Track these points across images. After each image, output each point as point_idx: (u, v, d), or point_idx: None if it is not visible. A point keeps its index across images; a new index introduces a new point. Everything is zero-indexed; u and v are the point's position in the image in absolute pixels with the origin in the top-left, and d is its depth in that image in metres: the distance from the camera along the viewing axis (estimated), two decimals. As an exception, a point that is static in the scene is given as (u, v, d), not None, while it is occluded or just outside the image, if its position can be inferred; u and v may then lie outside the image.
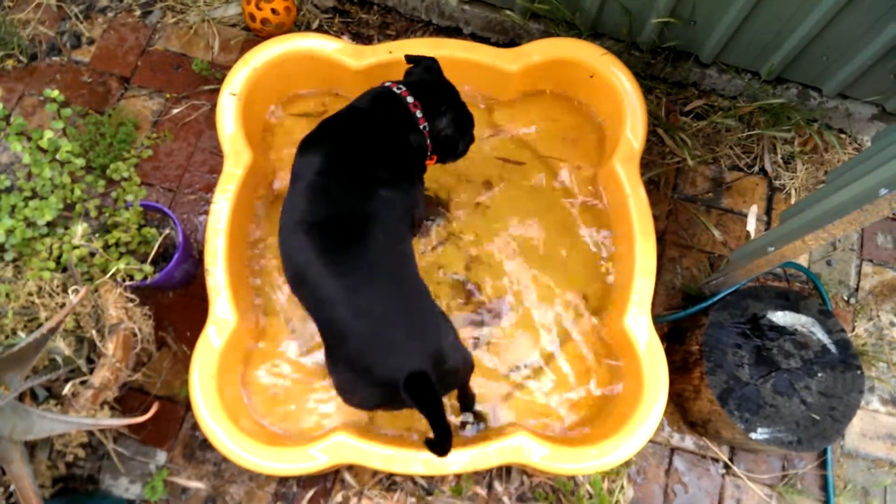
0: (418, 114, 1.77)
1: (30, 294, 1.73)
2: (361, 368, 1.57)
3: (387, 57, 2.14)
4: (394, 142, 1.76)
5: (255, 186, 2.16)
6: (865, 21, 1.92)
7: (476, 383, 2.04)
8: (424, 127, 1.79)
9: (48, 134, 1.83)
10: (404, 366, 1.51)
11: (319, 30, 2.53)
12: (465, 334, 2.10)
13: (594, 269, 2.17)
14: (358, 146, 1.72)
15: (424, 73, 1.87)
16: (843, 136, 2.41)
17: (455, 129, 1.84)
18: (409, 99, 1.77)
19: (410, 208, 1.80)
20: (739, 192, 2.38)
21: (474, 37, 2.52)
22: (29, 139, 1.85)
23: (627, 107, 2.10)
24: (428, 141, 1.81)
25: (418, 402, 1.49)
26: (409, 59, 1.90)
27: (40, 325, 1.70)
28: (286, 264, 1.69)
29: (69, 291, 1.74)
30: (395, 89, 1.79)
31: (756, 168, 2.39)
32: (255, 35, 2.51)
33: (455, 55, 2.14)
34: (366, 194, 1.67)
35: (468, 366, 1.78)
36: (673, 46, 2.27)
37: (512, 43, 2.46)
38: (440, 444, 1.49)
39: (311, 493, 2.03)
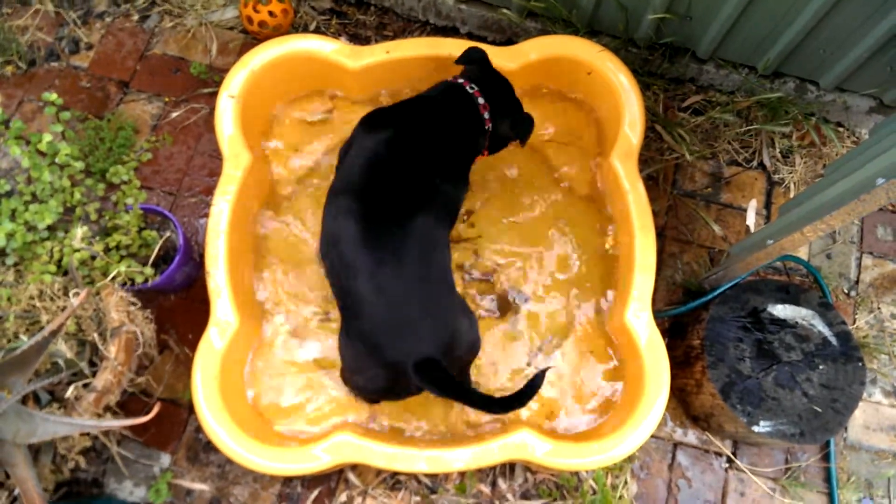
0: (486, 115, 1.85)
1: (31, 298, 1.74)
2: (372, 345, 1.59)
3: (384, 57, 2.15)
4: (459, 138, 1.84)
5: (255, 188, 2.16)
6: (861, 13, 1.93)
7: (487, 373, 2.05)
8: (488, 129, 1.87)
9: (47, 137, 1.83)
10: (414, 350, 1.52)
11: (317, 31, 2.54)
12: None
13: (595, 263, 2.17)
14: (425, 133, 1.78)
15: (484, 70, 1.93)
16: (841, 129, 2.41)
17: (515, 133, 1.92)
18: (480, 100, 1.85)
19: (457, 201, 1.85)
20: (738, 186, 2.38)
21: (471, 36, 2.52)
22: (28, 143, 1.86)
23: (625, 103, 2.11)
24: (487, 141, 1.89)
25: (437, 387, 1.51)
26: (459, 61, 1.94)
27: (42, 328, 1.70)
28: (324, 225, 1.73)
29: (70, 295, 1.75)
30: (467, 88, 1.85)
31: (755, 163, 2.40)
32: (252, 38, 2.52)
33: (452, 54, 2.13)
34: (422, 179, 1.72)
35: (475, 350, 1.81)
36: (670, 42, 2.27)
37: (509, 42, 2.46)
38: (499, 406, 1.50)
39: (315, 493, 2.04)
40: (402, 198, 1.69)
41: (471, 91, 1.85)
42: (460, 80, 1.88)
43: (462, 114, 1.84)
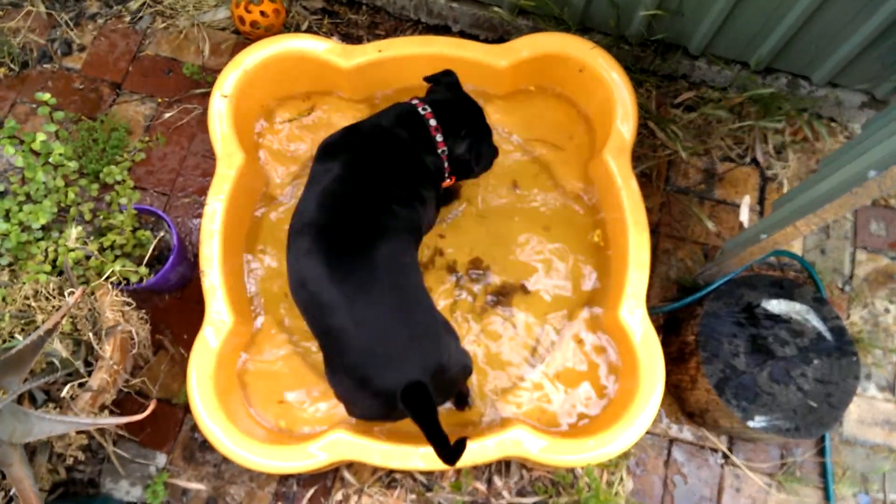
0: (438, 137, 1.81)
1: (26, 298, 1.74)
2: (359, 378, 1.58)
3: (376, 56, 2.15)
4: (411, 162, 1.80)
5: (249, 187, 2.17)
6: (852, 8, 1.93)
7: (477, 377, 2.05)
8: (443, 151, 1.83)
9: (41, 137, 1.84)
10: (402, 377, 1.51)
11: (309, 31, 2.55)
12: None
13: (590, 259, 2.18)
14: (376, 160, 1.76)
15: (447, 91, 1.90)
16: (833, 124, 2.42)
17: (472, 156, 1.87)
18: (432, 122, 1.81)
19: (419, 223, 1.82)
20: (732, 182, 2.38)
21: (463, 34, 2.53)
22: (21, 142, 1.86)
23: (617, 100, 2.11)
24: (446, 164, 1.85)
25: (414, 414, 1.50)
26: (427, 79, 1.93)
27: (37, 328, 1.70)
28: (290, 267, 1.70)
29: (65, 294, 1.75)
30: (420, 109, 1.82)
31: (748, 158, 2.40)
32: (244, 38, 2.52)
33: (444, 52, 2.15)
34: (378, 207, 1.70)
35: (467, 371, 1.80)
36: (661, 39, 2.28)
37: (501, 40, 2.47)
38: (440, 453, 1.48)
39: (311, 491, 2.04)
40: (361, 228, 1.66)
41: (422, 112, 1.81)
42: (414, 102, 1.84)
43: (412, 136, 1.80)
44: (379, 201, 1.71)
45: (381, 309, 1.57)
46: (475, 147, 1.86)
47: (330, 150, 1.80)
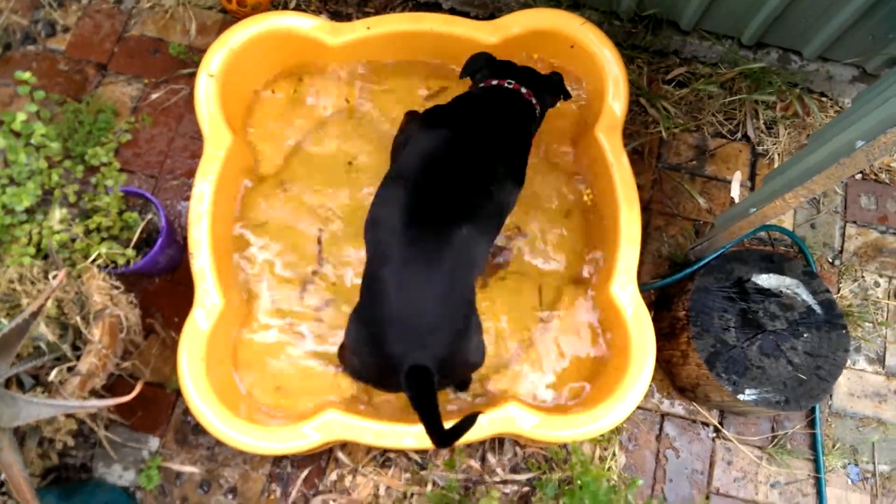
0: (533, 100, 1.88)
1: (11, 281, 1.72)
2: (376, 335, 1.58)
3: (365, 33, 2.13)
4: (519, 135, 1.86)
5: (238, 168, 2.14)
6: (842, -20, 1.92)
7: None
8: (538, 112, 1.90)
9: (21, 116, 1.80)
10: (411, 355, 1.52)
11: (297, 9, 2.51)
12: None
13: (580, 235, 2.17)
14: (486, 133, 1.78)
15: (495, 67, 1.94)
16: (824, 99, 2.41)
17: (560, 96, 1.99)
18: (523, 90, 1.87)
19: (507, 209, 1.83)
20: (723, 158, 2.38)
21: (453, 11, 2.50)
22: (1, 123, 1.83)
23: (609, 76, 2.09)
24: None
25: (413, 396, 1.51)
26: (466, 74, 1.97)
27: (22, 311, 1.68)
28: (373, 204, 1.73)
29: (50, 277, 1.73)
30: (506, 85, 1.86)
31: (739, 134, 2.40)
32: (231, 16, 2.49)
33: (434, 29, 2.13)
34: (477, 185, 1.71)
35: (478, 366, 1.82)
36: (653, 14, 2.26)
37: (491, 16, 2.43)
38: (433, 438, 1.49)
39: (305, 472, 2.04)
40: (452, 203, 1.66)
41: (510, 86, 1.87)
42: (494, 82, 1.88)
43: (516, 110, 1.85)
44: (480, 178, 1.71)
45: (429, 287, 1.58)
46: (556, 89, 1.98)
47: (440, 116, 1.83)
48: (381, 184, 1.76)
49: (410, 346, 1.54)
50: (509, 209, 1.84)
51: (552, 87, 1.97)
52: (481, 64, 1.95)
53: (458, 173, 1.71)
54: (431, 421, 1.49)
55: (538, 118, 1.93)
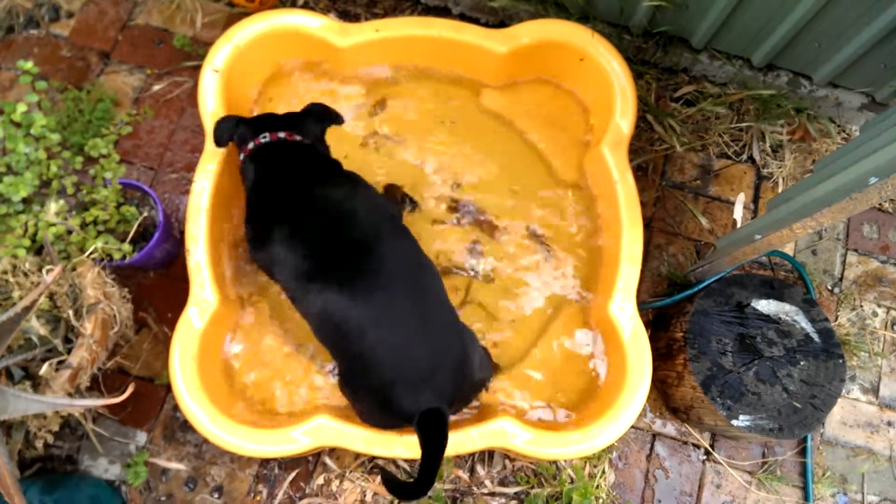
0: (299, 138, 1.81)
1: (4, 272, 1.69)
2: (381, 400, 1.57)
3: (373, 35, 2.10)
4: (333, 173, 1.80)
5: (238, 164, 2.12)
6: (858, 8, 1.91)
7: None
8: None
9: (21, 107, 1.78)
10: (423, 401, 1.51)
11: (305, 6, 2.48)
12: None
13: (584, 252, 2.16)
14: (316, 187, 1.72)
15: (254, 123, 1.84)
16: (832, 125, 2.40)
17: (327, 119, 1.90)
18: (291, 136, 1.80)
19: (398, 218, 1.84)
20: (727, 179, 2.37)
21: (463, 17, 2.48)
22: (1, 112, 1.80)
23: (617, 91, 2.08)
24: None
25: (425, 440, 1.50)
26: (219, 140, 1.87)
27: (14, 304, 1.66)
28: (311, 316, 1.68)
29: (44, 271, 1.70)
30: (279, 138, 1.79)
31: (744, 156, 2.38)
32: (239, 11, 2.46)
33: (443, 35, 2.11)
34: (358, 220, 1.66)
35: (487, 384, 1.81)
36: (665, 31, 2.24)
37: (501, 24, 2.42)
38: (415, 487, 1.47)
39: (292, 475, 2.03)
40: (358, 244, 1.62)
41: (283, 138, 1.78)
42: (263, 139, 1.79)
43: (306, 156, 1.79)
44: (353, 213, 1.66)
45: (403, 328, 1.55)
46: (326, 120, 1.89)
47: (266, 217, 1.72)
48: (297, 300, 1.69)
49: (418, 394, 1.52)
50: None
51: (316, 117, 1.86)
52: (233, 127, 1.84)
53: (332, 226, 1.64)
54: (432, 468, 1.47)
55: (324, 152, 1.87)
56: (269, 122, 1.82)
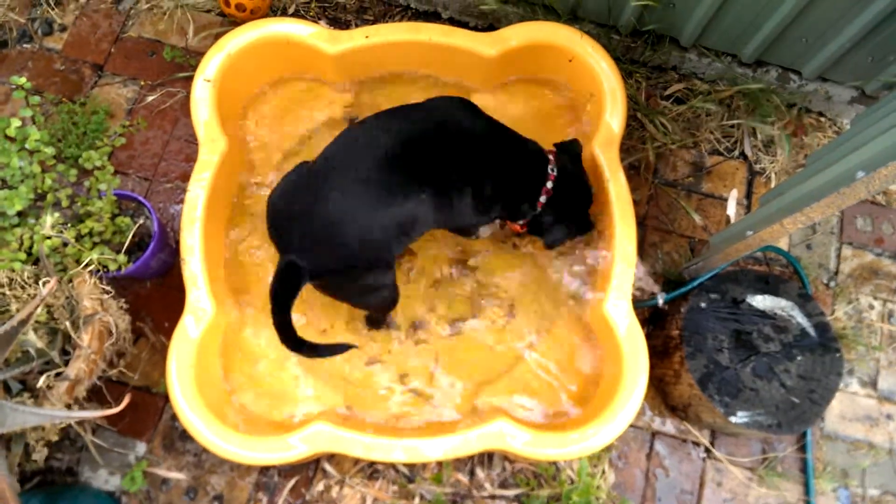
0: (542, 198, 1.86)
1: (0, 286, 1.70)
2: (285, 213, 1.70)
3: (363, 42, 2.11)
4: (506, 187, 1.83)
5: (232, 174, 2.13)
6: (844, 2, 1.91)
7: (459, 364, 2.04)
8: (536, 210, 1.88)
9: (16, 122, 1.79)
10: (295, 252, 1.61)
11: (296, 14, 2.50)
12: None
13: (577, 255, 2.17)
14: (480, 156, 1.78)
15: (572, 162, 1.94)
16: (822, 119, 2.41)
17: (553, 238, 1.95)
18: (549, 184, 1.85)
19: (446, 220, 1.85)
20: (720, 176, 2.37)
21: (452, 21, 2.49)
22: (-5, 127, 1.82)
23: (607, 91, 2.08)
24: (526, 215, 1.91)
25: (273, 290, 1.61)
26: (557, 145, 1.97)
27: (11, 317, 1.67)
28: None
29: (41, 283, 1.71)
30: (549, 167, 1.86)
31: (736, 152, 2.39)
32: (230, 21, 2.47)
33: (432, 40, 2.12)
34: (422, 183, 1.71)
35: (384, 305, 1.91)
36: (652, 30, 2.25)
37: (490, 28, 2.43)
38: (282, 338, 1.59)
39: (292, 482, 2.03)
40: (419, 170, 1.70)
41: (550, 169, 1.86)
42: (550, 156, 1.89)
43: (526, 172, 1.86)
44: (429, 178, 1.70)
45: (357, 206, 1.62)
46: (559, 230, 1.93)
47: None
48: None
49: (301, 243, 1.61)
50: (459, 220, 1.87)
51: (566, 221, 1.94)
52: (571, 150, 1.99)
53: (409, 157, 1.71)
54: (281, 320, 1.59)
55: (527, 208, 1.93)
56: None
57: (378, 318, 2.08)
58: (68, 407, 1.73)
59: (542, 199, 1.87)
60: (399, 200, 1.67)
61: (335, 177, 1.65)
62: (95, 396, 1.95)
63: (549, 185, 1.86)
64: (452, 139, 1.74)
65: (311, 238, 1.62)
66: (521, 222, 1.95)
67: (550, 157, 1.89)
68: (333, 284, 1.77)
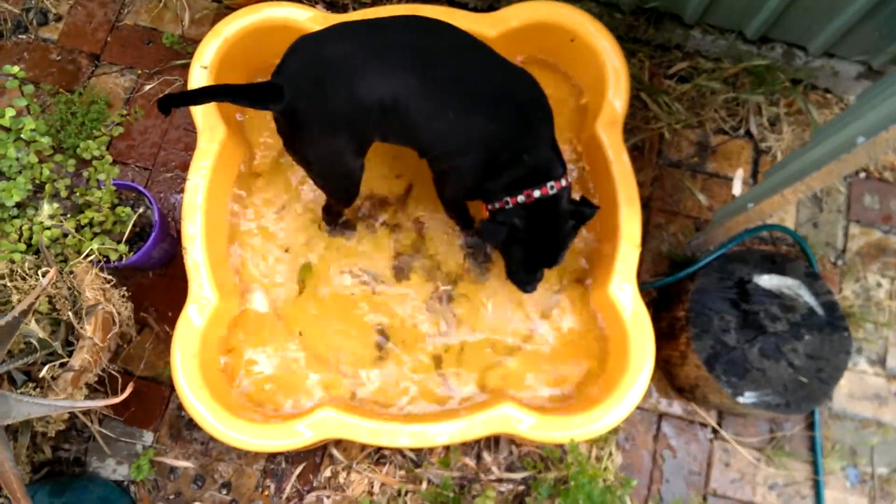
0: (521, 198, 1.72)
1: (1, 277, 1.69)
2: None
3: (362, 25, 2.08)
4: (514, 161, 1.72)
5: (231, 161, 2.11)
6: (850, -25, 1.88)
7: (462, 351, 2.03)
8: (508, 204, 1.74)
9: (10, 112, 1.78)
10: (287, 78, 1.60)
11: (293, -1, 2.46)
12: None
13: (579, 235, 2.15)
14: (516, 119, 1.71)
15: (571, 205, 1.79)
16: (829, 95, 2.37)
17: (487, 232, 1.82)
18: (536, 193, 1.71)
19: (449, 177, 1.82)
20: (725, 155, 2.34)
21: (451, 2, 2.45)
22: (-10, 118, 1.80)
23: (609, 70, 2.05)
24: (495, 204, 1.78)
25: (233, 85, 1.62)
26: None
27: (13, 308, 1.66)
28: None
29: (41, 273, 1.71)
30: (552, 183, 1.72)
31: (741, 131, 2.36)
32: (226, 6, 2.44)
33: (432, 21, 2.08)
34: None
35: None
36: (655, 7, 2.22)
37: (490, 8, 2.40)
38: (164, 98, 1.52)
39: (299, 468, 2.03)
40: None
41: (549, 185, 1.72)
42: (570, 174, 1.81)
43: (548, 165, 1.74)
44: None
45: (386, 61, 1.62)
46: (498, 231, 1.75)
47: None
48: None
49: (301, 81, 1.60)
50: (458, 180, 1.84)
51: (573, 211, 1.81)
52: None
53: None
54: (195, 94, 1.60)
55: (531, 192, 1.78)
56: None
57: (334, 213, 2.04)
58: (75, 397, 1.72)
59: (521, 198, 1.72)
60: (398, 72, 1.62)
61: (374, 52, 1.63)
62: (103, 387, 1.95)
63: (537, 194, 1.70)
64: (503, 92, 1.72)
65: (315, 82, 1.60)
66: (489, 207, 1.80)
67: (563, 180, 1.74)
68: (301, 138, 1.70)
